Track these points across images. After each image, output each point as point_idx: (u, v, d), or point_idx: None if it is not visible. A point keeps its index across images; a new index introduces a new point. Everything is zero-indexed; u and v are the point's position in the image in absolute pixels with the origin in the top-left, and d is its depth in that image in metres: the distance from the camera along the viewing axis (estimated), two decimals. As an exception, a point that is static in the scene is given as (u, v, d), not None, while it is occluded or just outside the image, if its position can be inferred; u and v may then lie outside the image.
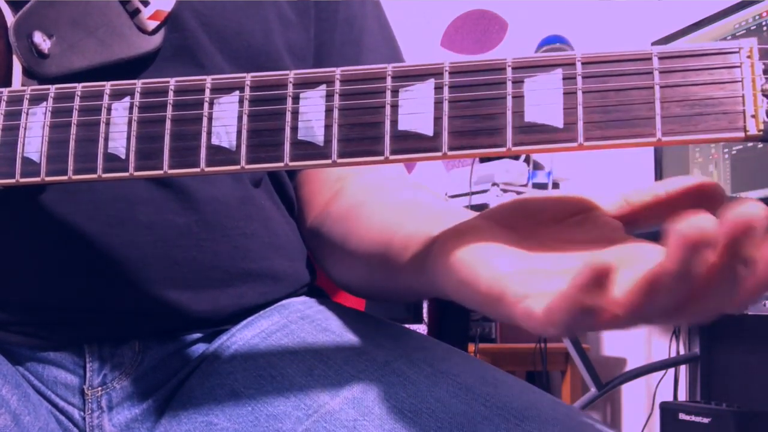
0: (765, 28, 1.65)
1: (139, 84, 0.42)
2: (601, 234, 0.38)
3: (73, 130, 0.42)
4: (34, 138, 0.43)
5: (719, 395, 2.01)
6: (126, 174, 0.41)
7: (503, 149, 0.36)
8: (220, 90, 0.40)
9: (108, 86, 0.42)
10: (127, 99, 0.41)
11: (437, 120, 0.37)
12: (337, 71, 0.39)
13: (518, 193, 2.23)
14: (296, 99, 0.39)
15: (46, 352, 0.54)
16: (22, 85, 0.49)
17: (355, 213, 0.57)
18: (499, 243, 0.37)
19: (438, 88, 0.37)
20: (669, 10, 2.25)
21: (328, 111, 0.38)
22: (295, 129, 0.38)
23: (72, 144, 0.42)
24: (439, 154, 0.37)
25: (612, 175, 2.39)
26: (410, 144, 0.37)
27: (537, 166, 2.40)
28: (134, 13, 0.52)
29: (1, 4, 0.50)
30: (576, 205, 0.40)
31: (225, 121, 0.40)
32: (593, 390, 2.05)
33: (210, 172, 0.40)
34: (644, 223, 0.40)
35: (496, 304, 0.35)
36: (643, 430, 2.27)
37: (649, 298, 0.30)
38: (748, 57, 0.34)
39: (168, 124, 0.40)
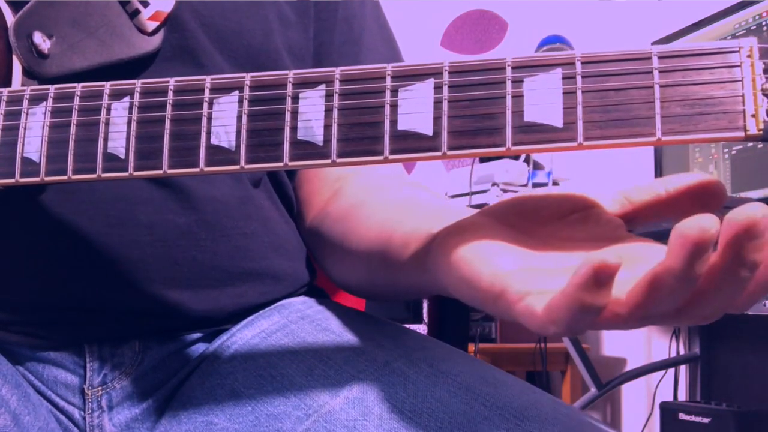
0: (765, 28, 1.65)
1: (138, 84, 0.42)
2: (602, 232, 0.38)
3: (73, 130, 0.42)
4: (33, 138, 0.43)
5: (719, 395, 2.01)
6: (125, 174, 0.41)
7: (503, 149, 0.36)
8: (219, 90, 0.40)
9: (107, 86, 0.42)
10: (127, 99, 0.41)
11: (437, 120, 0.37)
12: (337, 71, 0.39)
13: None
14: (296, 99, 0.39)
15: (46, 351, 0.54)
16: (22, 85, 0.49)
17: (354, 212, 0.56)
18: (499, 241, 0.37)
19: (437, 88, 0.37)
20: (669, 10, 2.25)
21: (328, 111, 0.38)
22: (294, 129, 0.38)
23: (72, 144, 0.42)
24: (438, 153, 0.37)
25: (612, 175, 2.39)
26: (410, 144, 0.37)
27: (537, 166, 2.40)
28: (134, 14, 0.52)
29: (1, 4, 0.50)
30: (576, 203, 0.40)
31: (224, 120, 0.40)
32: (593, 390, 2.05)
33: (209, 172, 0.40)
34: (645, 220, 0.40)
35: (496, 302, 0.35)
36: (643, 430, 2.27)
37: (651, 298, 0.30)
38: (748, 56, 0.34)
39: (167, 124, 0.40)
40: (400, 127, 0.37)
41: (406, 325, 0.59)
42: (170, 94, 0.41)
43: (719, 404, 1.87)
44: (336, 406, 0.48)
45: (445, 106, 0.37)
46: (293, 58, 0.63)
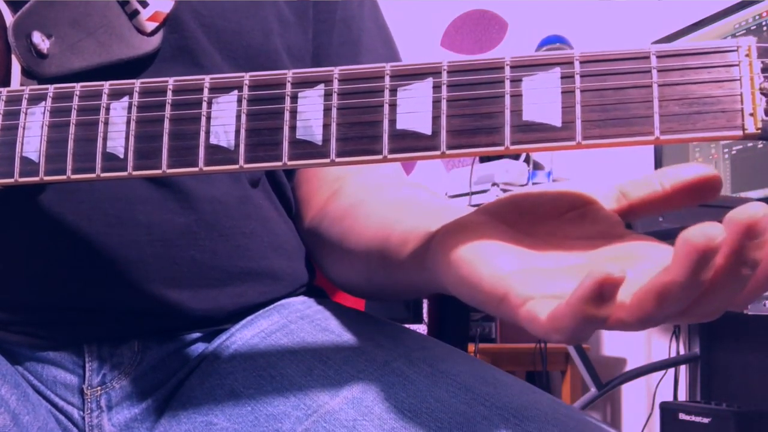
0: (765, 28, 1.65)
1: (137, 84, 0.42)
2: (600, 230, 0.38)
3: (72, 129, 0.42)
4: (32, 138, 0.43)
5: (719, 395, 2.01)
6: (125, 173, 0.41)
7: (502, 148, 0.36)
8: (218, 89, 0.40)
9: (107, 86, 0.42)
10: (126, 99, 0.41)
11: (436, 119, 0.37)
12: (336, 70, 0.39)
13: (518, 193, 2.22)
14: (295, 98, 0.39)
15: (45, 351, 0.54)
16: (21, 84, 0.49)
17: (353, 212, 0.56)
18: (498, 240, 0.37)
19: (436, 87, 0.37)
20: (669, 10, 2.25)
21: (327, 110, 0.38)
22: (293, 128, 0.38)
23: (71, 143, 0.42)
24: (437, 153, 0.37)
25: (612, 175, 2.39)
26: (409, 143, 0.37)
27: (537, 166, 2.40)
28: (133, 15, 0.52)
29: (0, 4, 0.50)
30: (574, 200, 0.40)
31: (223, 120, 0.40)
32: (593, 390, 2.05)
33: (209, 171, 0.40)
34: (642, 214, 0.40)
35: (498, 305, 0.35)
36: (643, 430, 2.27)
37: (657, 307, 0.30)
38: (747, 55, 0.34)
39: (167, 123, 0.40)
40: (399, 126, 0.37)
41: (406, 325, 0.59)
42: (169, 93, 0.41)
43: (719, 404, 1.87)
44: (335, 406, 0.48)
45: (443, 105, 0.37)
46: (292, 59, 0.63)
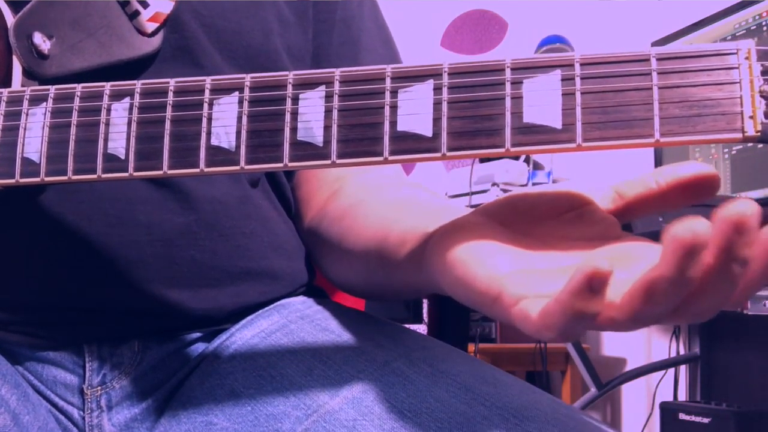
0: (765, 28, 1.65)
1: (138, 84, 0.42)
2: (596, 231, 0.38)
3: (73, 130, 0.42)
4: (33, 138, 0.43)
5: (719, 395, 2.01)
6: (125, 174, 0.41)
7: (502, 150, 0.36)
8: (219, 91, 0.40)
9: (108, 87, 0.42)
10: (127, 99, 0.42)
11: (436, 121, 0.37)
12: (337, 72, 0.39)
13: (518, 193, 2.22)
14: (295, 100, 0.39)
15: (45, 351, 0.55)
16: (22, 85, 0.49)
17: (352, 212, 0.57)
18: (495, 240, 0.37)
19: (437, 89, 0.37)
20: (669, 10, 2.25)
21: (328, 112, 0.38)
22: (294, 130, 0.39)
23: (72, 144, 0.42)
24: (438, 154, 0.37)
25: (612, 176, 2.38)
26: (409, 145, 0.37)
27: (537, 167, 2.40)
28: (133, 15, 0.52)
29: (1, 4, 0.50)
30: (571, 201, 0.40)
31: (224, 121, 0.40)
32: (593, 390, 2.05)
33: (210, 172, 0.40)
34: (639, 213, 0.40)
35: (492, 305, 0.35)
36: (643, 430, 2.27)
37: (646, 304, 0.30)
38: (746, 58, 0.34)
39: (167, 124, 0.40)
40: (400, 128, 0.37)
41: (406, 325, 0.59)
42: (170, 94, 0.41)
43: (719, 404, 1.87)
44: (335, 406, 0.48)
45: (444, 107, 0.37)
46: (292, 59, 0.63)
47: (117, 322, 0.55)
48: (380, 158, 0.37)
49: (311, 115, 0.38)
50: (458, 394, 0.46)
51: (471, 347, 2.23)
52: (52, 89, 0.43)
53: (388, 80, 0.38)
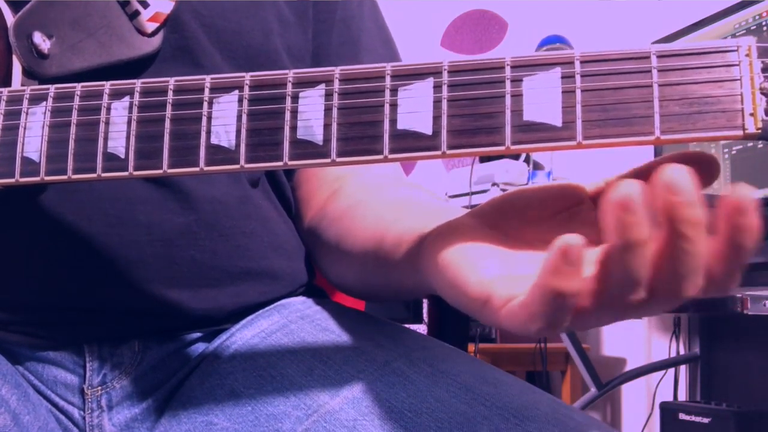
0: (765, 28, 1.65)
1: (138, 84, 0.42)
2: (587, 233, 0.38)
3: (73, 129, 0.42)
4: (33, 138, 0.43)
5: (719, 395, 2.01)
6: (125, 173, 0.41)
7: (502, 148, 0.36)
8: (219, 89, 0.40)
9: (107, 86, 0.42)
10: (127, 98, 0.42)
11: (436, 119, 0.37)
12: (336, 70, 0.39)
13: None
14: (295, 98, 0.39)
15: (45, 351, 0.54)
16: (22, 85, 0.49)
17: (351, 212, 0.57)
18: (486, 243, 0.38)
19: (437, 87, 0.37)
20: (669, 10, 2.25)
21: (327, 110, 0.38)
22: (294, 128, 0.38)
23: (71, 143, 0.42)
24: (438, 152, 0.37)
25: (612, 175, 2.38)
26: (409, 143, 0.37)
27: (537, 166, 2.39)
28: (133, 15, 0.52)
29: (1, 4, 0.50)
30: (563, 200, 0.40)
31: (224, 120, 0.40)
32: (593, 390, 2.05)
33: (209, 171, 0.40)
34: None
35: (482, 308, 0.35)
36: (643, 430, 2.27)
37: (607, 280, 0.31)
38: (747, 55, 0.34)
39: (167, 123, 0.40)
40: (400, 126, 0.37)
41: (406, 325, 0.59)
42: (170, 93, 0.41)
43: (719, 404, 1.87)
44: (336, 406, 0.48)
45: (444, 105, 0.37)
46: (292, 59, 0.63)
47: (117, 322, 0.55)
48: (380, 156, 0.37)
49: (311, 113, 0.38)
50: (458, 394, 0.46)
51: (471, 347, 2.23)
52: (52, 88, 0.43)
53: (388, 78, 0.38)
